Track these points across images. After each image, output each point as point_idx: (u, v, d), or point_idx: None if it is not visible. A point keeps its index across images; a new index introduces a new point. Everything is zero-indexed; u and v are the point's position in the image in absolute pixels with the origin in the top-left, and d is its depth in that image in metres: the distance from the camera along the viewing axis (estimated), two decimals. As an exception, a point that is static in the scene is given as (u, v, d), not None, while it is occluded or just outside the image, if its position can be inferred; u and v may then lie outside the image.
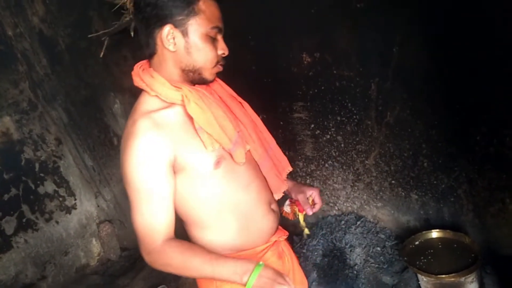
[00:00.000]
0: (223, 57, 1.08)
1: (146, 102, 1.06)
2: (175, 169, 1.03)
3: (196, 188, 1.07)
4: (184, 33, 1.00)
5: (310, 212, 1.24)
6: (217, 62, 1.06)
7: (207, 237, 1.13)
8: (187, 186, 1.06)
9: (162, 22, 1.00)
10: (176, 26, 1.00)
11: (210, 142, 1.02)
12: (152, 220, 1.02)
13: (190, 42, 1.01)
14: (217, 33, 1.03)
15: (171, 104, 1.04)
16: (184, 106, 1.02)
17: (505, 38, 1.60)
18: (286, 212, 1.33)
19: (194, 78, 1.07)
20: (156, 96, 1.04)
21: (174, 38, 1.01)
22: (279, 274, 0.98)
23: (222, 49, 1.05)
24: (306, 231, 1.36)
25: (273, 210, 1.21)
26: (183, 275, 1.05)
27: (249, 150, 1.16)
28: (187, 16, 0.99)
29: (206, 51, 1.02)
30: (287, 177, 1.31)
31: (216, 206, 1.10)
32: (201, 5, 1.00)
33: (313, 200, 1.27)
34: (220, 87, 1.20)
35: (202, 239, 1.13)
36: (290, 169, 1.30)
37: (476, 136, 1.83)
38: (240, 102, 1.22)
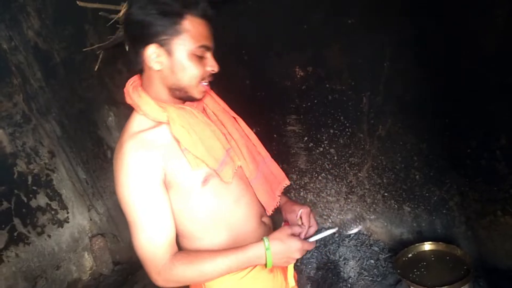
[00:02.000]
0: (213, 74, 1.08)
1: (135, 121, 1.07)
2: (166, 186, 1.04)
3: (186, 204, 1.07)
4: (169, 52, 1.00)
5: (301, 236, 1.14)
6: (203, 79, 1.05)
7: (198, 248, 1.13)
8: (177, 202, 1.06)
9: (147, 41, 1.00)
10: (161, 45, 1.00)
11: (195, 163, 1.02)
12: (155, 239, 1.00)
13: (175, 61, 1.01)
14: (204, 51, 1.03)
15: (159, 123, 1.05)
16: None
17: (492, 53, 1.64)
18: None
19: (182, 96, 1.07)
20: (144, 115, 1.06)
21: (158, 57, 1.01)
22: (289, 243, 1.02)
23: (211, 66, 1.04)
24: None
25: (264, 224, 1.21)
26: (202, 282, 1.04)
27: (242, 167, 1.16)
28: (172, 36, 0.99)
29: (191, 70, 1.01)
30: (282, 193, 1.30)
31: (206, 220, 1.11)
32: (187, 24, 0.99)
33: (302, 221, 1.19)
34: (213, 101, 1.21)
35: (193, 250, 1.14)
36: (287, 183, 1.28)
37: (467, 149, 1.85)
38: (233, 117, 1.23)
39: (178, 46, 1.00)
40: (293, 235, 1.04)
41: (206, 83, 1.07)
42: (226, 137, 1.15)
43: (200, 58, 1.03)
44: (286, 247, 1.00)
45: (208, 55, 1.04)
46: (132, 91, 1.08)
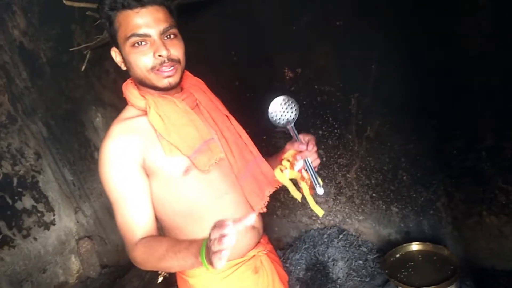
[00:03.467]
0: (171, 59, 1.04)
1: (126, 111, 1.13)
2: (147, 172, 1.08)
3: (168, 193, 1.10)
4: (120, 52, 1.08)
5: (303, 148, 1.07)
6: (155, 67, 1.03)
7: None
8: (160, 190, 1.10)
9: (111, 46, 1.10)
10: (116, 47, 1.08)
11: (169, 149, 1.06)
12: (128, 220, 1.05)
13: (124, 59, 1.07)
14: (142, 39, 1.02)
15: (145, 112, 1.09)
16: None
17: (477, 54, 1.67)
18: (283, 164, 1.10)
19: (151, 87, 1.08)
20: (132, 105, 1.12)
21: (117, 58, 1.10)
22: (216, 230, 0.81)
23: (156, 50, 1.02)
24: (318, 210, 1.10)
25: (252, 226, 1.20)
26: (162, 270, 1.02)
27: (230, 164, 1.16)
28: (114, 36, 1.06)
29: (136, 62, 1.04)
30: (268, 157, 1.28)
31: (188, 213, 1.13)
32: (119, 20, 1.03)
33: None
34: (207, 99, 1.21)
35: None
36: (279, 185, 1.24)
37: (453, 150, 1.88)
38: (226, 116, 1.23)
39: (120, 44, 1.05)
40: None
41: (165, 70, 1.04)
42: (213, 129, 1.16)
43: (142, 47, 1.02)
44: (214, 240, 0.81)
45: (151, 41, 1.02)
46: (125, 85, 1.16)
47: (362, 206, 2.29)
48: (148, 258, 1.01)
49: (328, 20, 1.95)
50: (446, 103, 1.82)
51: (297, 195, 1.10)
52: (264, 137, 2.41)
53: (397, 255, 1.99)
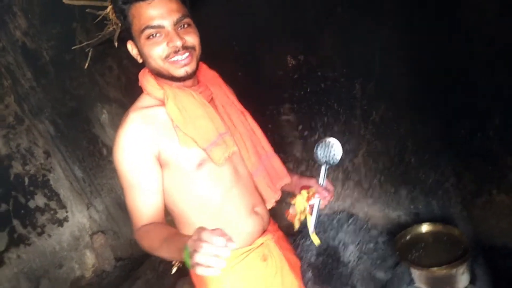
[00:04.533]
0: (186, 47, 1.05)
1: (142, 100, 1.14)
2: (160, 163, 1.10)
3: (180, 185, 1.12)
4: (136, 44, 1.08)
5: (325, 194, 1.22)
6: (169, 55, 1.05)
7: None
8: (172, 182, 1.12)
9: (126, 41, 1.12)
10: (132, 40, 1.09)
11: (184, 140, 1.07)
12: (136, 205, 1.10)
13: (140, 51, 1.08)
14: (156, 30, 1.03)
15: (162, 103, 1.10)
16: None
17: (486, 37, 1.64)
18: (291, 213, 1.26)
19: (168, 78, 1.09)
20: (148, 94, 1.13)
21: (133, 51, 1.11)
22: (200, 233, 0.79)
23: (170, 41, 1.03)
24: (315, 238, 1.26)
25: (256, 213, 1.23)
26: (157, 256, 1.05)
27: (242, 158, 1.18)
28: (129, 29, 1.07)
29: (151, 53, 1.05)
30: (291, 171, 1.34)
31: (198, 205, 1.15)
32: (133, 13, 1.04)
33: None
34: (223, 93, 1.22)
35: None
36: (288, 181, 1.30)
37: (461, 130, 1.87)
38: (241, 111, 1.24)
39: (136, 37, 1.06)
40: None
41: (180, 58, 1.05)
42: (228, 125, 1.17)
43: (157, 39, 1.04)
44: (197, 239, 0.80)
45: (165, 32, 1.04)
46: (142, 74, 1.16)
47: (371, 190, 2.29)
48: (146, 244, 1.06)
49: (331, 5, 1.93)
50: (451, 83, 1.80)
51: (312, 235, 1.26)
52: (270, 126, 2.41)
53: (408, 237, 2.00)
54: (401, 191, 2.19)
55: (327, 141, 1.26)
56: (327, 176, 1.26)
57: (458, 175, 1.97)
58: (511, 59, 1.63)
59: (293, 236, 2.48)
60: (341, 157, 1.26)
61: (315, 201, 1.23)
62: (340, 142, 2.22)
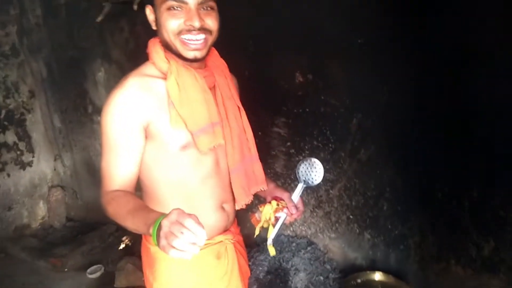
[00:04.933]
0: (204, 28, 1.04)
1: (146, 67, 1.12)
2: (146, 134, 1.08)
3: (160, 162, 1.10)
4: (155, 11, 1.06)
5: (293, 211, 1.20)
6: (181, 32, 1.03)
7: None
8: (152, 156, 1.10)
9: (145, 3, 1.09)
10: (152, 5, 1.07)
11: (175, 119, 1.06)
12: (111, 168, 1.08)
13: (157, 18, 1.06)
14: (179, 5, 1.01)
15: (164, 76, 1.08)
16: None
17: (476, 105, 1.67)
18: (256, 218, 1.25)
19: (174, 53, 1.08)
20: (153, 64, 1.11)
21: (150, 16, 1.08)
22: (181, 217, 0.79)
23: (188, 19, 1.01)
24: (272, 250, 1.25)
25: (223, 209, 1.21)
26: (120, 224, 1.03)
27: (226, 153, 1.16)
28: None
29: (166, 23, 1.03)
30: (269, 178, 1.33)
31: (172, 186, 1.14)
32: None
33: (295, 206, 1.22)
34: (225, 84, 1.20)
35: None
36: (264, 188, 1.28)
37: (439, 193, 1.89)
38: (238, 107, 1.23)
39: (157, 4, 1.04)
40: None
41: (192, 38, 1.03)
42: (221, 116, 1.15)
43: (176, 12, 1.02)
44: (174, 222, 0.79)
45: (187, 9, 1.02)
46: (153, 42, 1.13)
47: (337, 225, 2.29)
48: (111, 210, 1.03)
49: (350, 35, 1.94)
50: (442, 147, 1.83)
51: (269, 244, 1.24)
52: (260, 133, 2.40)
53: (359, 280, 2.00)
54: (365, 234, 2.19)
55: (312, 161, 1.25)
56: (301, 195, 1.25)
57: (423, 235, 1.99)
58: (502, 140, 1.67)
59: (249, 248, 2.46)
60: (320, 182, 1.24)
61: (282, 214, 1.22)
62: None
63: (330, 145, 2.18)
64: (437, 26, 1.72)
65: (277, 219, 1.22)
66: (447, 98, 1.76)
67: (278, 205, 1.22)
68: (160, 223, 0.80)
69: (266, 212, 1.22)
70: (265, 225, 1.23)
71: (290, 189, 1.27)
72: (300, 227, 2.45)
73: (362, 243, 2.22)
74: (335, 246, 2.34)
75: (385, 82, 1.90)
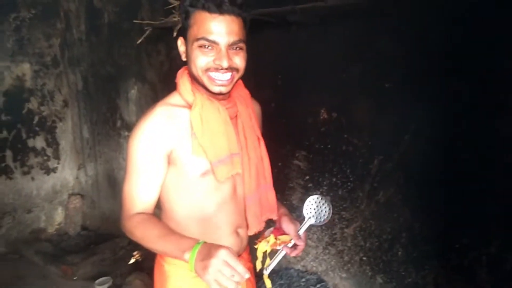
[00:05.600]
0: (232, 67, 1.07)
1: (172, 97, 1.18)
2: (169, 160, 1.13)
3: (180, 186, 1.15)
4: (186, 44, 1.11)
5: (298, 243, 1.20)
6: (209, 68, 1.07)
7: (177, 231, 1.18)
8: (173, 180, 1.15)
9: (178, 35, 1.19)
10: (184, 38, 1.12)
11: (196, 149, 1.11)
12: (134, 192, 1.13)
13: (187, 51, 1.11)
14: (209, 44, 1.05)
15: (189, 106, 1.14)
16: None
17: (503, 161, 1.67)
18: (265, 236, 1.23)
19: (202, 86, 1.12)
20: (180, 94, 1.16)
21: (181, 47, 1.14)
22: (229, 258, 0.89)
23: (217, 58, 1.05)
24: (268, 282, 1.24)
25: (237, 234, 1.24)
26: (145, 247, 1.08)
27: (243, 181, 1.20)
28: (186, 29, 1.10)
29: (195, 59, 1.07)
30: (281, 202, 1.35)
31: (190, 210, 1.17)
32: (195, 17, 1.06)
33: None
34: (247, 115, 1.24)
35: None
36: (274, 217, 1.30)
37: (456, 244, 1.86)
38: (257, 137, 1.27)
39: (189, 38, 1.09)
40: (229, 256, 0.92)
41: (219, 77, 1.07)
42: (241, 146, 1.19)
43: (207, 50, 1.06)
44: (209, 253, 0.90)
45: (217, 49, 1.06)
46: (181, 73, 1.20)
47: (349, 265, 2.26)
48: (139, 235, 1.07)
49: (378, 78, 1.99)
50: (462, 197, 1.81)
51: (266, 276, 1.23)
52: (279, 164, 2.43)
53: (366, 325, 1.95)
54: (378, 278, 2.15)
55: (322, 199, 1.24)
56: (306, 230, 1.24)
57: (437, 286, 1.94)
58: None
59: (257, 277, 2.44)
60: (327, 221, 1.24)
61: (280, 248, 1.21)
62: (339, 207, 2.22)
63: (348, 183, 2.19)
64: (462, 72, 1.75)
65: (276, 250, 1.21)
66: (470, 144, 1.76)
67: (276, 239, 1.21)
68: (208, 259, 0.89)
69: (261, 250, 1.21)
70: (261, 258, 1.23)
71: (300, 221, 1.26)
72: (311, 262, 2.43)
73: (374, 286, 2.18)
74: (345, 287, 2.30)
75: (408, 126, 1.92)
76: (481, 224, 1.78)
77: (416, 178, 1.95)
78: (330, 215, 1.23)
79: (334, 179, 2.24)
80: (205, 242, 0.96)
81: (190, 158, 1.11)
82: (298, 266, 2.49)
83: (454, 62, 1.77)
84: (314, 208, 1.25)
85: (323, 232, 2.33)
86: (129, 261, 3.16)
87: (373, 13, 1.93)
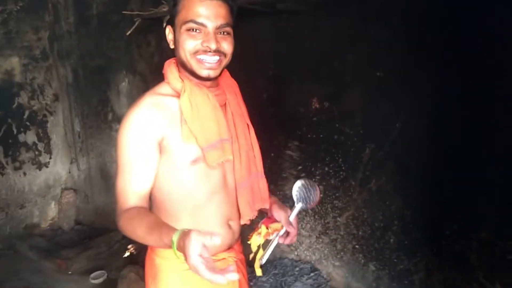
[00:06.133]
0: (219, 51, 1.08)
1: (161, 87, 1.17)
2: (160, 149, 1.12)
3: (170, 175, 1.14)
4: (174, 31, 1.12)
5: (290, 230, 1.19)
6: (197, 51, 1.08)
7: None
8: (164, 170, 1.13)
9: (167, 24, 1.16)
10: (171, 26, 1.13)
11: (186, 135, 1.10)
12: (126, 186, 1.11)
13: (176, 38, 1.11)
14: (197, 27, 1.07)
15: (178, 94, 1.14)
16: None
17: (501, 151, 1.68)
18: (257, 228, 1.22)
19: (189, 72, 1.13)
20: (168, 83, 1.16)
21: (169, 35, 1.14)
22: (189, 241, 0.86)
23: (205, 41, 1.07)
24: (258, 270, 1.22)
25: (229, 226, 1.23)
26: (137, 241, 1.08)
27: (234, 169, 1.20)
28: (174, 16, 1.11)
29: (184, 43, 1.08)
30: (273, 193, 1.35)
31: (181, 199, 1.17)
32: (183, 2, 1.08)
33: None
34: (236, 102, 1.24)
35: None
36: (266, 207, 1.29)
37: (446, 231, 1.87)
38: (247, 124, 1.27)
39: (177, 23, 1.10)
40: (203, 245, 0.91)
41: (207, 59, 1.08)
42: (231, 133, 1.19)
43: (195, 34, 1.08)
44: (184, 245, 0.89)
45: (205, 32, 1.08)
46: (168, 63, 1.19)
47: (342, 253, 2.28)
48: (129, 231, 1.07)
49: (370, 68, 1.98)
50: (453, 184, 1.83)
51: (257, 265, 1.20)
52: (272, 154, 2.43)
53: (359, 312, 1.97)
54: (370, 265, 2.17)
55: (309, 182, 1.24)
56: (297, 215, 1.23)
57: (428, 272, 1.97)
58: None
59: (251, 267, 2.46)
60: (317, 203, 1.23)
61: (273, 237, 1.20)
62: (332, 196, 2.23)
63: (341, 172, 2.19)
64: (453, 62, 1.75)
65: (268, 241, 1.20)
66: (460, 133, 1.77)
67: (268, 228, 1.20)
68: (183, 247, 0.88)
69: (255, 243, 1.20)
70: (258, 255, 1.22)
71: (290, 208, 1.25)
72: (305, 252, 2.45)
73: (366, 274, 2.20)
74: (339, 275, 2.32)
75: (399, 115, 1.93)
76: (472, 210, 1.80)
77: (407, 166, 1.97)
78: (319, 197, 1.23)
79: (326, 168, 2.24)
80: (181, 232, 0.93)
81: (181, 145, 1.11)
82: (292, 256, 2.50)
83: (446, 51, 1.77)
84: (302, 192, 1.25)
85: (316, 221, 2.34)
86: (123, 255, 3.16)
87: (365, 1, 1.92)
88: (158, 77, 1.22)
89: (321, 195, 1.25)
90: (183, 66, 1.13)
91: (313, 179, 2.30)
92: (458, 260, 1.86)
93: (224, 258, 1.23)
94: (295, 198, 1.25)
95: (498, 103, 1.67)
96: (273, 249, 1.20)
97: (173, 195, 1.17)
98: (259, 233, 1.21)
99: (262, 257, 1.19)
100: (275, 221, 1.23)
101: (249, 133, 1.26)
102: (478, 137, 1.73)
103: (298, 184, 1.26)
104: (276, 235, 1.21)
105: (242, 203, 1.21)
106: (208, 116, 1.13)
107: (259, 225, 1.25)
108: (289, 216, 1.22)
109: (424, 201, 1.94)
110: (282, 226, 1.21)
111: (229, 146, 1.17)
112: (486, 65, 1.67)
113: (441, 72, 1.79)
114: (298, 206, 1.24)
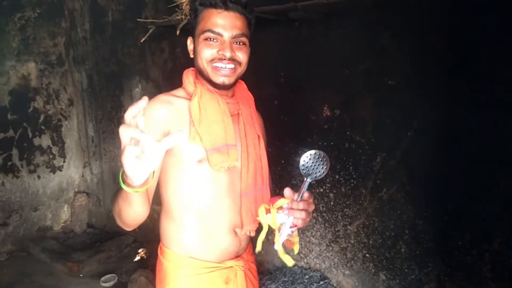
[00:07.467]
0: (234, 59, 1.13)
1: (176, 90, 1.24)
2: None
3: (177, 175, 1.16)
4: (194, 40, 1.19)
5: (297, 211, 1.05)
6: (213, 60, 1.14)
7: (171, 229, 1.22)
8: (169, 170, 1.16)
9: (189, 35, 1.23)
10: (192, 37, 1.20)
11: (192, 136, 1.13)
12: None
13: (195, 47, 1.19)
14: (215, 36, 1.13)
15: (191, 97, 1.18)
16: None
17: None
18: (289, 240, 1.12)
19: (207, 80, 1.18)
20: (184, 88, 1.22)
21: (190, 46, 1.22)
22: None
23: (221, 49, 1.12)
24: (287, 259, 1.10)
25: (235, 234, 1.23)
26: (124, 218, 1.05)
27: (241, 177, 1.21)
28: (195, 27, 1.18)
29: (201, 50, 1.15)
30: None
31: (187, 201, 1.18)
32: (203, 14, 1.15)
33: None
34: (248, 113, 1.27)
35: (168, 231, 1.23)
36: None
37: (459, 241, 1.85)
38: (258, 135, 1.28)
39: (197, 35, 1.17)
40: None
41: (222, 66, 1.13)
42: (241, 142, 1.21)
43: (212, 43, 1.14)
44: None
45: (221, 41, 1.14)
46: (186, 71, 1.26)
47: (352, 262, 2.27)
48: (114, 210, 1.07)
49: (381, 76, 1.98)
50: (465, 194, 1.81)
51: (277, 243, 1.09)
52: (283, 161, 2.44)
53: (369, 322, 1.96)
54: (381, 275, 2.16)
55: (316, 153, 1.11)
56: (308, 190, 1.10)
57: (440, 282, 1.94)
58: None
59: (260, 275, 2.46)
60: (326, 173, 1.11)
61: (283, 217, 1.08)
62: (343, 204, 2.22)
63: (352, 180, 2.19)
64: (466, 71, 1.74)
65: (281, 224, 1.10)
66: (472, 141, 1.76)
67: (270, 206, 1.10)
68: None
69: (264, 222, 1.10)
70: (276, 236, 1.10)
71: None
72: (315, 259, 2.44)
73: (377, 283, 2.18)
74: (348, 284, 2.31)
75: (411, 123, 1.92)
76: (484, 220, 1.78)
77: (419, 175, 1.95)
78: (328, 167, 1.12)
79: (337, 176, 2.24)
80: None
81: (187, 145, 1.14)
82: (302, 263, 2.49)
83: (457, 59, 1.76)
84: (310, 165, 1.13)
85: (326, 229, 2.33)
86: (134, 259, 3.19)
87: (376, 9, 1.93)
88: (171, 84, 1.25)
89: (330, 164, 1.13)
90: (200, 73, 1.19)
91: (324, 187, 2.30)
92: (470, 271, 1.84)
93: (231, 267, 1.24)
94: (302, 172, 1.13)
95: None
96: (287, 232, 1.09)
97: (179, 196, 1.18)
98: (263, 212, 1.11)
99: (277, 241, 1.08)
100: (281, 197, 1.12)
101: (259, 144, 1.28)
102: (491, 146, 1.72)
103: (304, 157, 1.13)
104: (286, 216, 1.08)
105: (245, 211, 1.22)
106: (215, 119, 1.16)
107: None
108: (299, 194, 1.10)
109: (435, 211, 1.92)
110: (286, 202, 1.09)
111: (235, 153, 1.18)
112: (499, 74, 1.66)
113: (453, 81, 1.78)
114: (307, 181, 1.11)
